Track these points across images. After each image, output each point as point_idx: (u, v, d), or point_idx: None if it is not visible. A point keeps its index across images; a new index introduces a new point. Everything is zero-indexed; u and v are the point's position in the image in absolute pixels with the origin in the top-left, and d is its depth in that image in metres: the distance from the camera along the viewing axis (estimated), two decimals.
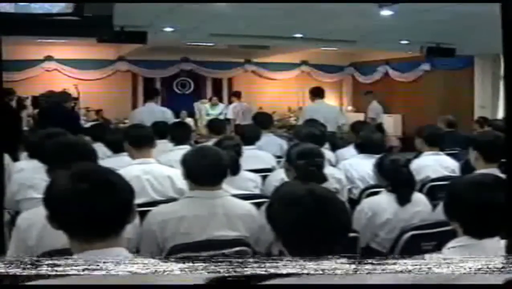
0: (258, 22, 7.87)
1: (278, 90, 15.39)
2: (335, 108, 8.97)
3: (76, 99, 9.98)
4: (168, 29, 8.68)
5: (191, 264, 1.52)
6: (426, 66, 13.33)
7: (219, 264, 1.51)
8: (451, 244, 1.99)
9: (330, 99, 15.20)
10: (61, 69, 13.57)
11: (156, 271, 1.51)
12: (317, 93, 8.26)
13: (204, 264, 1.51)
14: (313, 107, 8.08)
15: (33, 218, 2.47)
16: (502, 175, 3.04)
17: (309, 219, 1.70)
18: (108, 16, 2.90)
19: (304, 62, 15.71)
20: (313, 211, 1.70)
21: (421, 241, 3.00)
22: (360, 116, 10.80)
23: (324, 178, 3.19)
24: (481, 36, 7.92)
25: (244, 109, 11.72)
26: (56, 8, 2.71)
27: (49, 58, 13.42)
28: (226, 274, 1.49)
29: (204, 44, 11.58)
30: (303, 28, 8.83)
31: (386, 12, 6.53)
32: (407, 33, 8.98)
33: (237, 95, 12.37)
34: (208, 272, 1.50)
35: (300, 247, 1.68)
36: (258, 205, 3.16)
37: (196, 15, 7.22)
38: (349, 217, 1.81)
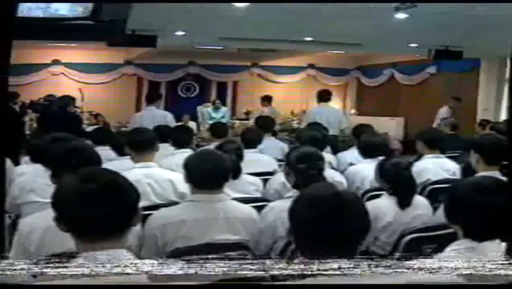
0: (268, 26, 7.87)
1: (282, 94, 15.37)
2: (338, 111, 8.98)
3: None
4: (180, 33, 8.70)
5: (193, 265, 1.54)
6: (432, 69, 13.30)
7: (221, 265, 1.52)
8: (451, 247, 1.99)
9: (335, 102, 15.19)
10: (67, 73, 13.62)
11: (158, 272, 1.53)
12: (323, 96, 8.32)
13: (206, 265, 1.53)
14: (317, 110, 8.12)
15: (35, 223, 2.49)
16: (503, 178, 3.05)
17: (330, 220, 1.68)
18: (123, 20, 2.90)
19: (311, 65, 15.68)
20: (336, 212, 1.69)
21: (422, 244, 2.99)
22: (363, 120, 10.76)
23: (324, 182, 3.18)
24: (488, 39, 7.91)
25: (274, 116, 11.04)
26: (72, 12, 2.72)
27: (56, 62, 13.47)
28: (229, 275, 1.50)
29: (214, 47, 11.58)
30: (313, 31, 8.82)
31: (401, 16, 6.48)
32: (417, 36, 8.93)
33: (268, 99, 11.59)
34: (210, 273, 1.51)
35: (316, 247, 1.66)
36: (259, 208, 3.17)
37: (207, 18, 7.21)
38: (369, 223, 1.78)
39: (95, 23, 2.68)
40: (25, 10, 2.61)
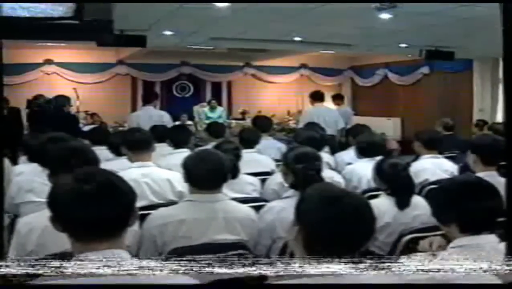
0: (257, 26, 7.88)
1: (277, 94, 15.40)
2: (335, 111, 9.01)
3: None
4: (168, 33, 8.70)
5: (191, 265, 1.53)
6: (425, 69, 13.33)
7: (219, 265, 1.52)
8: (451, 245, 2.04)
9: (330, 103, 15.16)
10: (61, 73, 13.57)
11: (155, 272, 1.53)
12: (317, 96, 8.44)
13: (202, 265, 1.52)
14: (314, 110, 8.18)
15: (33, 223, 2.48)
16: (501, 178, 3.06)
17: (348, 220, 1.67)
18: (108, 20, 2.91)
19: (304, 66, 15.71)
20: (353, 212, 1.69)
21: None
22: (360, 120, 10.78)
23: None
24: (480, 40, 7.94)
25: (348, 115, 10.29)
26: (56, 12, 2.73)
27: (48, 62, 13.43)
28: (226, 275, 1.50)
29: (204, 47, 11.59)
30: (302, 32, 8.85)
31: (385, 16, 6.54)
32: (406, 37, 8.99)
33: (341, 98, 11.11)
34: (206, 273, 1.51)
35: (329, 247, 1.64)
36: (257, 208, 3.17)
37: (195, 18, 7.23)
38: (375, 227, 1.77)
39: (80, 22, 2.68)
40: (7, 9, 2.61)
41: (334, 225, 1.66)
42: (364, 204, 1.76)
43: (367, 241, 1.73)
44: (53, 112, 7.33)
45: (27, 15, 2.63)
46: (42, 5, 2.68)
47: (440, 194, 2.22)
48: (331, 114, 8.21)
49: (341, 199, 1.71)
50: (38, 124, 7.42)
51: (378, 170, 3.41)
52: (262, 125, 6.46)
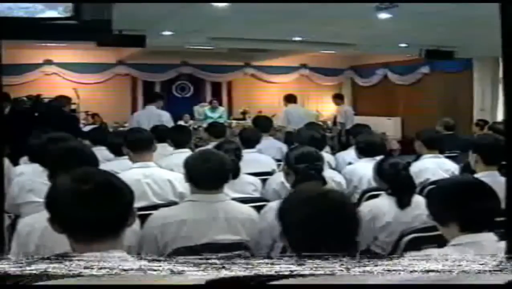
0: (257, 26, 7.89)
1: (277, 94, 15.37)
2: (310, 111, 9.74)
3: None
4: (167, 33, 8.70)
5: (191, 265, 1.53)
6: (425, 69, 13.33)
7: (219, 265, 1.51)
8: (451, 243, 2.04)
9: (330, 103, 15.16)
10: (60, 73, 13.57)
11: (155, 272, 1.52)
12: (290, 99, 9.53)
13: (203, 265, 1.52)
14: (291, 110, 9.22)
15: (34, 224, 2.47)
16: (502, 178, 3.06)
17: (317, 220, 1.68)
18: (107, 20, 2.91)
19: (304, 66, 15.71)
20: (323, 213, 1.69)
21: (422, 244, 2.98)
22: (360, 120, 10.78)
23: (324, 182, 3.18)
24: (480, 39, 7.94)
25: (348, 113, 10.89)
26: (55, 12, 2.72)
27: (48, 62, 13.43)
28: (226, 276, 1.50)
29: (204, 47, 11.59)
30: (302, 32, 8.87)
31: (384, 16, 6.54)
32: (406, 37, 9.01)
33: (340, 97, 11.50)
34: (208, 273, 1.50)
35: (303, 247, 1.65)
36: (258, 208, 3.17)
37: (195, 18, 7.23)
38: (359, 225, 1.77)
39: (79, 22, 2.68)
40: (6, 9, 2.61)
41: (307, 225, 1.68)
42: (339, 202, 1.75)
43: (348, 242, 1.72)
44: (53, 113, 7.30)
45: (26, 16, 2.63)
46: (41, 5, 2.68)
47: (440, 194, 2.21)
48: (307, 113, 9.54)
49: (313, 200, 1.72)
50: (39, 124, 7.39)
51: (379, 170, 3.41)
52: (263, 125, 6.48)
